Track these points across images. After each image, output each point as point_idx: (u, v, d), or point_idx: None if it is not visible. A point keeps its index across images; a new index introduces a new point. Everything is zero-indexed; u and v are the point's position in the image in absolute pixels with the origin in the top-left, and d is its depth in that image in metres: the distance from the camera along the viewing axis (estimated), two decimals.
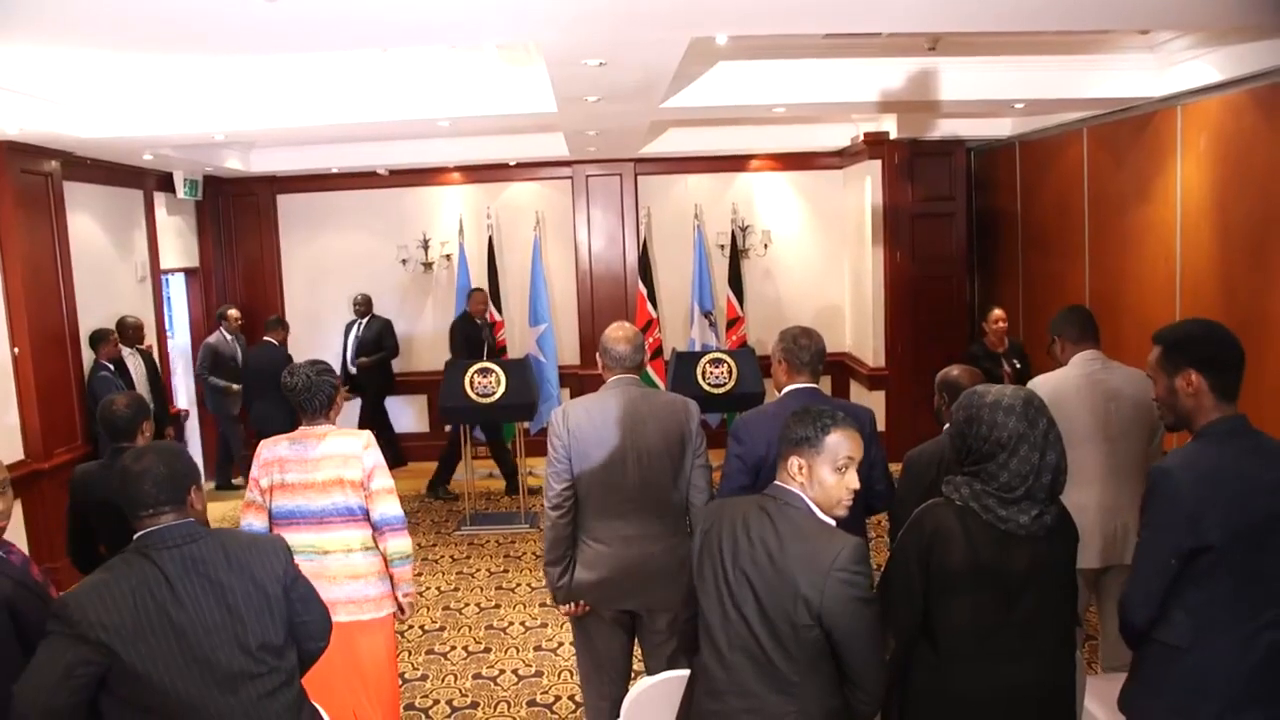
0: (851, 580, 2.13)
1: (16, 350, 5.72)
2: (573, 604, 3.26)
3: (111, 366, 6.52)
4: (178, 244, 8.40)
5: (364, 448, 3.34)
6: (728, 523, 2.28)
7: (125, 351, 6.84)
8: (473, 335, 7.69)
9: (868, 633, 2.17)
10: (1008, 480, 2.22)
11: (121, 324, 6.87)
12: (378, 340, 8.21)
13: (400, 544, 3.37)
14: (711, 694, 2.26)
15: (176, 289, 8.68)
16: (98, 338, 6.52)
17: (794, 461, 2.25)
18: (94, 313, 6.58)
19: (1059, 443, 2.25)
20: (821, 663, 2.19)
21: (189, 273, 8.71)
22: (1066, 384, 3.56)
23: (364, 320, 8.30)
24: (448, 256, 8.81)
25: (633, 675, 3.39)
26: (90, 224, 6.82)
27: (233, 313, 8.02)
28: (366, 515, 3.37)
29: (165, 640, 2.08)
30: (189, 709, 2.09)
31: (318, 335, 8.74)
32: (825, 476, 2.23)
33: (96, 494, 3.37)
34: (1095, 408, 3.52)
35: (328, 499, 3.30)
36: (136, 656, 2.05)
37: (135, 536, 2.18)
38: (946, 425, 3.24)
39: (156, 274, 7.75)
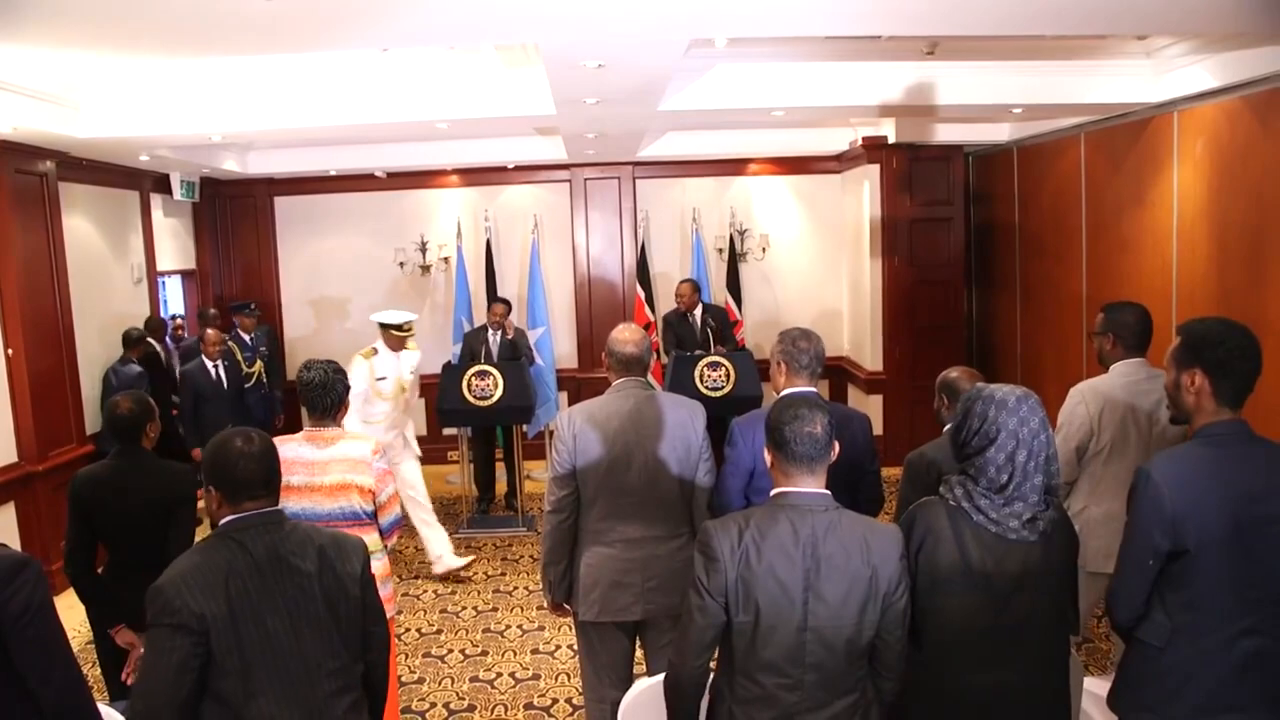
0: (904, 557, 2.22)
1: (10, 351, 5.69)
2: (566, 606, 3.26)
3: (121, 367, 6.67)
4: (174, 246, 8.38)
5: (373, 453, 3.37)
6: (772, 551, 2.15)
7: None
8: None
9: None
10: (995, 475, 2.20)
11: (149, 321, 7.19)
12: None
13: (394, 538, 3.60)
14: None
15: (173, 291, 8.66)
16: (133, 337, 6.81)
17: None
18: (89, 314, 6.55)
19: (1051, 445, 2.24)
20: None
21: (185, 274, 8.70)
22: (1113, 393, 3.51)
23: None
24: (445, 259, 8.79)
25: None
26: (86, 225, 6.80)
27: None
28: (370, 519, 3.39)
29: (254, 627, 2.07)
30: (266, 698, 2.07)
31: (315, 339, 8.77)
32: None
33: (103, 498, 3.33)
34: (1138, 418, 3.48)
35: (334, 503, 3.31)
36: (227, 644, 2.03)
37: (227, 520, 2.16)
38: (947, 427, 3.24)
39: (153, 275, 7.72)
